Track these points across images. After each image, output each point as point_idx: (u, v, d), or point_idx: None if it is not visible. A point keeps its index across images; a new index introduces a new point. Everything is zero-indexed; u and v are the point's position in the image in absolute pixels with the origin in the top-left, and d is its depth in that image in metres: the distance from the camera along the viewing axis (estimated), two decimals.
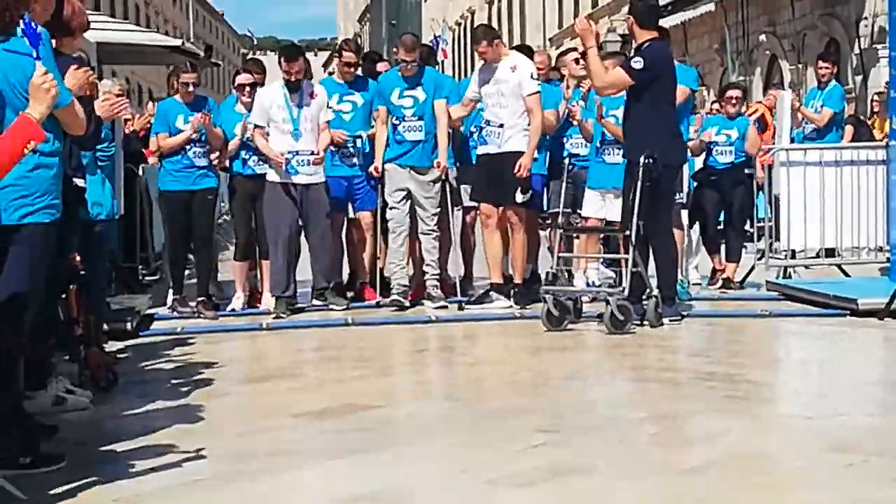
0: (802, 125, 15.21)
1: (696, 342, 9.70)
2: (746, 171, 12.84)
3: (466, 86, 11.58)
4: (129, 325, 9.99)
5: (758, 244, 13.44)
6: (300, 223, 11.07)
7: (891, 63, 11.97)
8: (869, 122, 17.55)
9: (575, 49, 12.55)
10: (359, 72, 11.80)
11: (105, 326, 8.87)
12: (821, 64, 15.74)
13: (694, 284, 12.18)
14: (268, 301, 11.40)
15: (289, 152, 10.92)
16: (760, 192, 13.29)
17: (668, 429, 6.43)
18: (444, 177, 11.34)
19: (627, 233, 9.83)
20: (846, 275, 12.64)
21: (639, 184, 9.75)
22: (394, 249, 11.32)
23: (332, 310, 11.12)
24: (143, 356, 9.13)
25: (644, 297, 9.90)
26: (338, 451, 5.94)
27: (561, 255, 10.76)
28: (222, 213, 17.70)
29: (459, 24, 64.42)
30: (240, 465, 5.67)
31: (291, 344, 9.93)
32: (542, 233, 12.23)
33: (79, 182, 7.46)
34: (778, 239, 12.81)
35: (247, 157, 11.39)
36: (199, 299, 11.17)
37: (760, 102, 18.49)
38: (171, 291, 11.42)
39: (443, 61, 30.03)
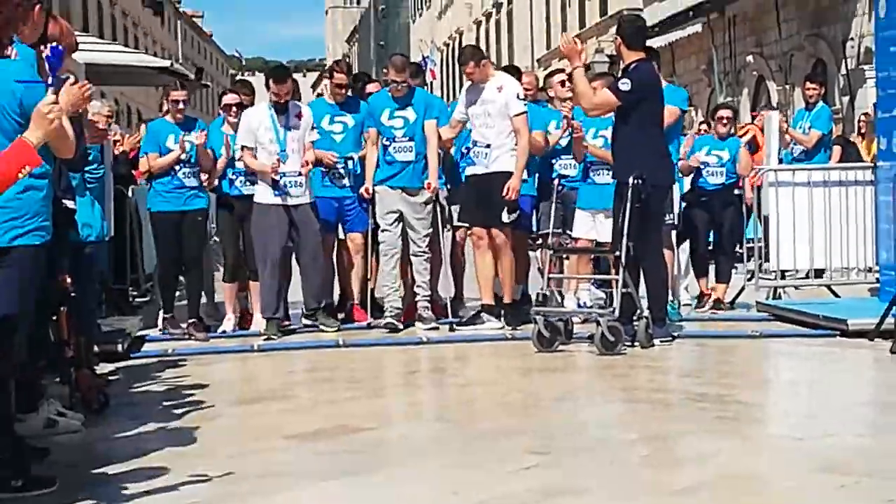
0: (791, 146, 15.26)
1: (686, 363, 9.70)
2: (735, 191, 12.86)
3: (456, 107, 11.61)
4: (119, 347, 9.97)
5: (747, 265, 13.46)
6: (290, 244, 11.06)
7: (878, 84, 12.02)
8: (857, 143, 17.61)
9: (562, 70, 12.59)
10: (349, 93, 11.81)
11: (96, 348, 8.86)
12: (808, 85, 15.79)
13: (684, 305, 12.18)
14: (258, 322, 11.39)
15: (277, 174, 10.92)
16: (751, 213, 13.32)
17: (659, 450, 6.44)
18: (434, 197, 11.35)
19: (617, 253, 9.84)
20: (836, 295, 12.65)
21: (628, 204, 9.77)
22: (386, 272, 11.32)
23: (322, 331, 11.11)
24: (135, 378, 9.12)
25: (634, 317, 9.91)
26: (330, 472, 5.94)
27: (551, 276, 10.77)
28: (212, 235, 17.69)
29: (448, 45, 64.54)
30: (232, 486, 5.67)
31: (283, 365, 9.93)
32: (532, 254, 12.24)
33: (68, 203, 7.45)
34: (767, 259, 12.83)
35: (234, 177, 11.40)
36: (190, 321, 11.16)
37: (752, 124, 18.53)
38: (161, 312, 11.42)
39: (431, 82, 30.10)
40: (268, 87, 11.12)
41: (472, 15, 61.10)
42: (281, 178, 10.92)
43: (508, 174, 10.80)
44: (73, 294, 7.60)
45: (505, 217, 10.83)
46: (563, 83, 12.01)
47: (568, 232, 11.61)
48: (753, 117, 20.33)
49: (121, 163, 12.55)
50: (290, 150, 10.94)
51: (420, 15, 78.38)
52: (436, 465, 6.15)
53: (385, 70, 11.93)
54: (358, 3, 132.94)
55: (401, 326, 11.17)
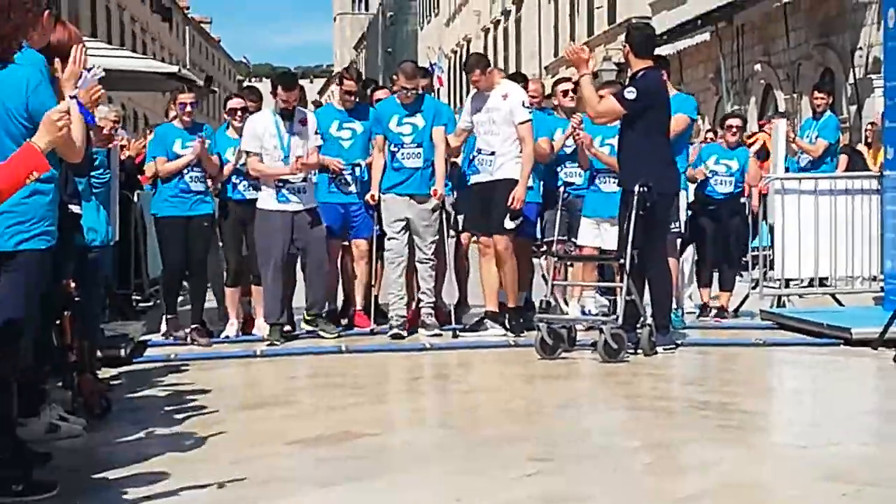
0: (798, 156, 15.25)
1: (689, 371, 9.70)
2: (741, 200, 12.85)
3: None
4: (122, 352, 9.97)
5: (752, 273, 13.44)
6: (294, 251, 11.05)
7: (885, 93, 12.01)
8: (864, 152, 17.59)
9: (569, 79, 12.58)
10: (358, 100, 11.81)
11: (99, 353, 8.86)
12: (816, 94, 15.80)
13: (688, 313, 12.17)
14: (261, 327, 11.40)
15: (279, 180, 10.94)
16: (756, 222, 13.31)
17: (662, 457, 6.44)
18: (441, 204, 11.35)
19: (622, 261, 9.84)
20: (840, 304, 12.65)
21: (633, 212, 9.77)
22: (392, 280, 11.31)
23: (322, 338, 11.09)
24: (137, 383, 9.12)
25: (638, 325, 9.91)
26: (333, 478, 5.94)
27: (555, 283, 10.77)
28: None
29: (455, 52, 64.55)
30: (234, 492, 5.66)
31: (285, 371, 9.92)
32: (535, 261, 12.24)
33: (74, 208, 7.47)
34: (772, 268, 12.81)
35: (237, 181, 11.40)
36: (193, 326, 11.15)
37: (763, 131, 18.52)
38: (164, 316, 11.42)
39: (439, 89, 30.12)
40: (274, 93, 11.12)
41: (481, 22, 61.12)
42: (284, 184, 10.93)
43: (512, 181, 10.79)
44: (77, 298, 7.60)
45: (508, 223, 10.82)
46: (566, 93, 12.03)
47: (573, 240, 11.61)
48: (761, 126, 20.32)
49: (127, 168, 12.55)
50: (293, 156, 10.94)
51: (428, 22, 78.42)
52: (439, 471, 6.14)
53: (395, 76, 11.91)
54: (366, 9, 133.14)
55: (405, 335, 11.16)
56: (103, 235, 8.71)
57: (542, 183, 11.56)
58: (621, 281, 9.91)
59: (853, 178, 13.13)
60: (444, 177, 11.25)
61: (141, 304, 13.97)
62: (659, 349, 9.93)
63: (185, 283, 11.94)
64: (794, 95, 26.08)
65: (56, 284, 6.88)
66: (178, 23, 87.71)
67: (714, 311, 12.36)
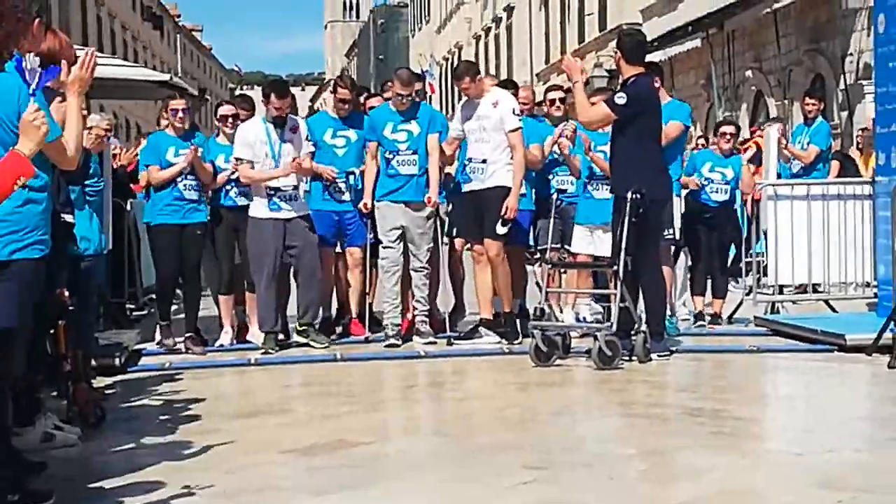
0: (790, 162, 15.28)
1: (683, 378, 9.70)
2: (734, 207, 12.86)
3: None
4: (117, 361, 9.96)
5: (746, 280, 13.46)
6: (287, 259, 11.04)
7: (877, 99, 12.03)
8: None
9: (560, 87, 12.60)
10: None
11: (93, 362, 8.86)
12: (807, 100, 15.84)
13: (682, 320, 12.17)
14: (255, 334, 11.40)
15: (270, 188, 10.94)
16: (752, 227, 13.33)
17: (657, 464, 6.44)
18: (435, 212, 11.35)
19: (615, 268, 9.85)
20: (833, 310, 12.67)
21: (626, 219, 9.78)
22: (387, 289, 11.30)
23: (313, 348, 11.06)
24: (132, 392, 9.11)
25: (632, 332, 9.92)
26: (327, 486, 5.93)
27: (549, 290, 10.77)
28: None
29: (447, 59, 64.59)
30: (229, 501, 5.67)
31: (280, 379, 9.92)
32: (529, 268, 12.24)
33: (67, 217, 7.46)
34: (766, 274, 12.83)
35: (228, 188, 11.40)
36: (188, 335, 11.15)
37: (756, 136, 18.52)
38: (157, 324, 11.40)
39: (430, 96, 30.14)
40: (266, 101, 11.11)
41: (472, 29, 61.15)
42: (275, 192, 10.93)
43: (504, 188, 10.80)
44: (71, 308, 7.60)
45: (499, 229, 10.82)
46: (553, 102, 12.07)
47: (566, 247, 11.62)
48: (752, 132, 20.34)
49: (119, 176, 12.53)
50: (284, 163, 10.94)
51: (419, 29, 78.47)
52: (433, 479, 6.14)
53: (390, 83, 11.90)
54: (357, 17, 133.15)
55: (401, 343, 11.15)
56: (96, 244, 8.72)
57: (534, 191, 11.56)
58: (615, 288, 9.92)
59: (845, 183, 13.15)
60: (437, 184, 11.25)
61: (135, 313, 13.96)
62: (653, 356, 9.94)
63: (178, 292, 11.92)
64: (786, 101, 26.11)
65: (49, 293, 6.87)
66: (169, 31, 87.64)
67: (708, 319, 12.36)
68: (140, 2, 74.78)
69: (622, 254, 9.77)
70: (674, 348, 10.41)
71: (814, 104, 15.64)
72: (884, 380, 9.25)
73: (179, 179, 11.04)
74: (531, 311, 11.02)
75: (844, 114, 23.28)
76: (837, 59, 23.81)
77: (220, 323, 11.60)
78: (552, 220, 11.45)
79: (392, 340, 11.11)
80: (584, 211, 11.46)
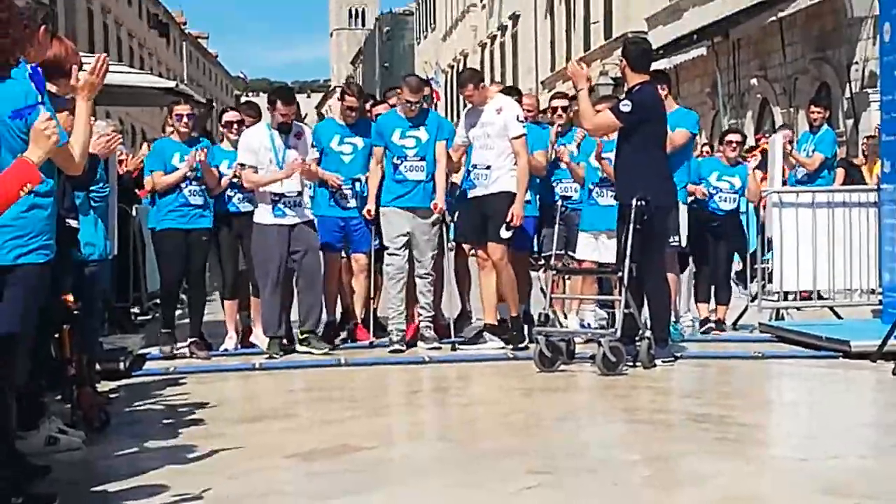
0: (795, 169, 15.28)
1: (688, 384, 9.69)
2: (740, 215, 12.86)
3: None
4: (121, 365, 9.98)
5: (750, 286, 13.45)
6: (290, 264, 11.04)
7: (882, 107, 12.03)
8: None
9: (565, 94, 12.61)
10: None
11: (98, 366, 8.87)
12: (813, 108, 15.82)
13: (686, 326, 12.16)
14: (258, 336, 11.41)
15: (275, 194, 10.95)
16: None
17: (661, 470, 6.44)
18: (441, 218, 11.35)
19: (620, 274, 9.86)
20: (838, 317, 12.66)
21: (631, 226, 9.79)
22: (392, 296, 11.30)
23: (315, 355, 11.04)
24: (136, 396, 9.12)
25: (637, 338, 9.91)
26: (331, 492, 5.93)
27: (554, 296, 10.77)
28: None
29: (452, 67, 64.65)
30: None
31: (284, 384, 9.92)
32: (534, 274, 12.24)
33: (72, 222, 7.47)
34: (771, 281, 12.82)
35: (232, 194, 11.41)
36: (192, 339, 11.15)
37: (764, 145, 18.49)
38: (159, 331, 11.38)
39: (436, 104, 30.15)
40: (272, 108, 11.11)
41: (477, 37, 61.22)
42: (279, 198, 10.94)
43: (508, 194, 10.81)
44: (76, 312, 7.60)
45: (503, 233, 10.82)
46: (554, 110, 12.09)
47: (570, 254, 11.61)
48: (758, 140, 20.34)
49: (124, 182, 12.55)
50: (287, 166, 10.95)
51: (425, 37, 78.56)
52: (438, 484, 6.14)
53: (398, 90, 11.89)
54: (363, 25, 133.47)
55: (405, 349, 11.15)
56: (101, 249, 8.73)
57: (538, 197, 11.57)
58: (620, 294, 9.93)
59: (851, 191, 13.14)
60: (444, 191, 11.25)
61: (139, 318, 13.97)
62: (658, 362, 9.94)
63: (183, 297, 11.93)
64: (791, 110, 26.12)
65: (54, 298, 6.88)
66: (175, 38, 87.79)
67: (712, 325, 12.33)
68: (146, 9, 74.99)
69: (627, 260, 9.77)
70: (678, 354, 10.41)
71: (819, 112, 15.63)
72: (888, 386, 9.24)
73: (184, 185, 11.05)
74: (535, 317, 11.03)
75: (850, 122, 23.29)
76: (843, 68, 23.83)
77: (225, 328, 11.61)
78: (557, 227, 11.46)
79: (396, 346, 11.11)
80: (588, 217, 11.46)
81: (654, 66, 12.74)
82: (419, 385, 9.96)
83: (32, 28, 6.01)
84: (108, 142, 7.92)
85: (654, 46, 16.71)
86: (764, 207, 13.28)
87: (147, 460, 6.69)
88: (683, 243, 11.38)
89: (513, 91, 12.65)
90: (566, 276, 11.73)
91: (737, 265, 14.27)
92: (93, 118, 6.30)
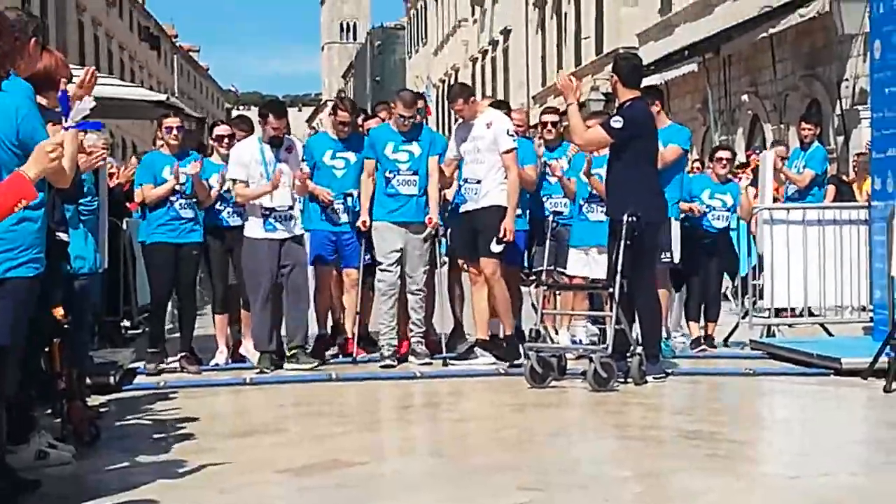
0: (786, 186, 15.29)
1: (679, 400, 9.69)
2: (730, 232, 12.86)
3: None
4: (111, 380, 9.94)
5: (741, 303, 13.44)
6: (280, 279, 11.01)
7: (872, 124, 12.05)
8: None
9: (556, 109, 12.61)
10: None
11: (88, 380, 8.84)
12: (803, 125, 15.85)
13: (678, 343, 12.15)
14: (248, 348, 11.39)
15: (265, 209, 10.93)
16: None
17: (652, 486, 6.43)
18: (434, 233, 11.34)
19: (611, 290, 9.85)
20: (829, 334, 12.66)
21: (622, 242, 9.79)
22: (384, 311, 11.27)
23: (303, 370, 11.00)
24: (126, 410, 9.09)
25: (628, 354, 9.91)
26: None
27: (545, 311, 10.76)
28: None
29: (443, 82, 64.70)
30: None
31: (275, 399, 9.90)
32: (525, 289, 12.23)
33: (62, 236, 7.45)
34: (761, 297, 12.82)
35: (221, 208, 11.40)
36: (182, 354, 11.13)
37: (755, 162, 18.50)
38: (147, 350, 11.29)
39: (427, 118, 30.17)
40: (264, 122, 11.09)
41: (468, 52, 61.30)
42: (270, 213, 10.92)
43: (498, 208, 10.80)
44: (66, 326, 7.58)
45: (494, 247, 10.81)
46: (545, 125, 12.09)
47: (560, 269, 11.59)
48: (748, 156, 20.37)
49: (115, 195, 12.52)
50: (281, 183, 10.93)
51: (416, 51, 78.63)
52: (429, 499, 6.13)
53: (392, 104, 11.88)
54: (354, 39, 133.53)
55: (396, 364, 11.13)
56: (91, 263, 8.71)
57: (528, 212, 11.56)
58: (611, 310, 9.92)
59: (841, 208, 13.16)
60: (437, 205, 11.24)
61: (130, 332, 13.93)
62: (649, 378, 9.93)
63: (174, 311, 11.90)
64: (782, 126, 26.15)
65: (44, 312, 6.86)
66: (166, 51, 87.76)
67: (703, 340, 12.31)
68: (137, 22, 74.95)
69: (618, 276, 9.77)
70: (669, 371, 10.40)
71: (810, 129, 15.65)
72: (879, 404, 9.24)
73: (175, 198, 11.03)
74: (526, 333, 11.01)
75: (840, 139, 23.32)
76: (833, 85, 23.86)
77: (216, 342, 11.58)
78: (547, 242, 11.45)
79: (388, 361, 11.09)
80: (578, 233, 11.46)
81: (646, 81, 12.78)
82: (411, 400, 9.95)
83: (23, 40, 6.01)
84: (91, 157, 7.93)
85: (645, 62, 16.72)
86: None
87: (137, 475, 6.67)
88: (676, 259, 11.37)
89: (502, 105, 12.65)
90: (557, 292, 11.72)
91: (727, 283, 14.25)
92: (82, 134, 6.30)
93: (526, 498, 6.02)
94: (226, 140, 11.59)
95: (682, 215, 11.79)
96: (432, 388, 10.38)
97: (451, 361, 11.13)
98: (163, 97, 18.26)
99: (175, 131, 11.20)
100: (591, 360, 9.65)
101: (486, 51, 58.11)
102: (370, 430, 8.50)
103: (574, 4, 42.45)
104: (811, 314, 12.93)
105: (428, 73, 66.71)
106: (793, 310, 13.04)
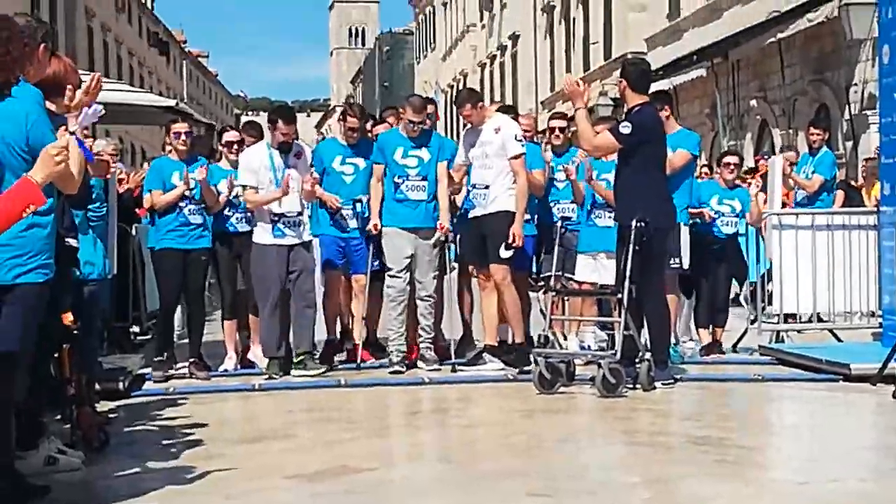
0: (795, 191, 15.27)
1: (687, 406, 9.68)
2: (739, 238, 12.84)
3: None
4: (120, 385, 9.96)
5: (750, 308, 13.42)
6: (288, 285, 11.00)
7: (881, 129, 12.04)
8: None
9: (564, 115, 12.60)
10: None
11: (97, 386, 8.85)
12: (812, 130, 15.84)
13: (687, 348, 12.13)
14: (256, 354, 11.40)
15: (275, 214, 10.94)
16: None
17: (661, 493, 6.42)
18: (444, 238, 11.33)
19: (619, 296, 9.85)
20: (838, 339, 12.64)
21: (630, 247, 9.78)
22: (393, 318, 11.26)
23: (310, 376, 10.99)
24: (135, 416, 9.10)
25: (636, 360, 9.90)
26: None
27: (554, 317, 10.75)
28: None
29: (452, 87, 64.72)
30: None
31: (284, 405, 9.89)
32: (533, 295, 12.22)
33: (71, 242, 7.46)
34: (770, 303, 12.80)
35: (230, 213, 11.41)
36: (191, 359, 11.13)
37: (763, 168, 18.47)
38: (154, 359, 11.25)
39: (436, 123, 30.17)
40: (273, 127, 11.10)
41: (477, 57, 61.31)
42: (279, 218, 10.93)
43: (506, 213, 10.80)
44: (75, 332, 7.59)
45: (503, 253, 10.81)
46: (553, 130, 12.08)
47: (567, 275, 11.58)
48: (756, 161, 20.35)
49: (125, 200, 12.53)
50: (291, 189, 10.94)
51: (425, 56, 78.67)
52: None
53: (401, 109, 11.86)
54: (363, 44, 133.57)
55: (404, 370, 11.13)
56: (100, 269, 8.73)
57: (536, 217, 11.54)
58: (619, 316, 9.91)
59: (850, 213, 13.15)
60: (447, 210, 11.23)
61: (139, 338, 13.95)
62: (657, 384, 9.91)
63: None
64: (790, 131, 26.13)
65: (53, 317, 6.87)
66: (175, 56, 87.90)
67: (714, 347, 12.28)
68: (146, 27, 75.09)
69: (626, 282, 9.77)
70: (678, 376, 10.39)
71: (818, 134, 15.64)
72: (888, 410, 9.23)
73: (184, 204, 11.04)
74: (535, 339, 11.01)
75: (849, 144, 23.31)
76: (842, 90, 23.85)
77: (224, 347, 11.59)
78: (556, 247, 11.45)
79: (396, 367, 11.09)
80: (586, 238, 11.46)
81: (654, 86, 12.76)
82: (419, 406, 9.95)
83: (32, 46, 6.03)
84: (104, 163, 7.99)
85: (653, 67, 16.72)
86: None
87: (147, 481, 6.68)
88: (686, 265, 11.34)
89: (509, 110, 12.65)
90: (565, 298, 11.71)
91: (735, 289, 14.22)
92: (91, 138, 6.32)
93: None
94: (235, 146, 11.60)
95: (691, 221, 11.77)
96: (441, 393, 10.38)
97: (460, 367, 11.13)
98: (172, 103, 18.34)
99: (183, 136, 11.20)
100: (599, 365, 9.65)
101: (495, 56, 58.13)
102: (379, 435, 8.50)
103: (582, 9, 42.49)
104: (820, 320, 12.92)
105: (436, 79, 66.73)
106: (801, 315, 13.02)
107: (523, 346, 10.99)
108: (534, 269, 11.91)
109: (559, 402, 9.48)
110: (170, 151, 11.47)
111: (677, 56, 30.78)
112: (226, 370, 11.42)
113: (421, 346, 11.33)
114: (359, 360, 11.42)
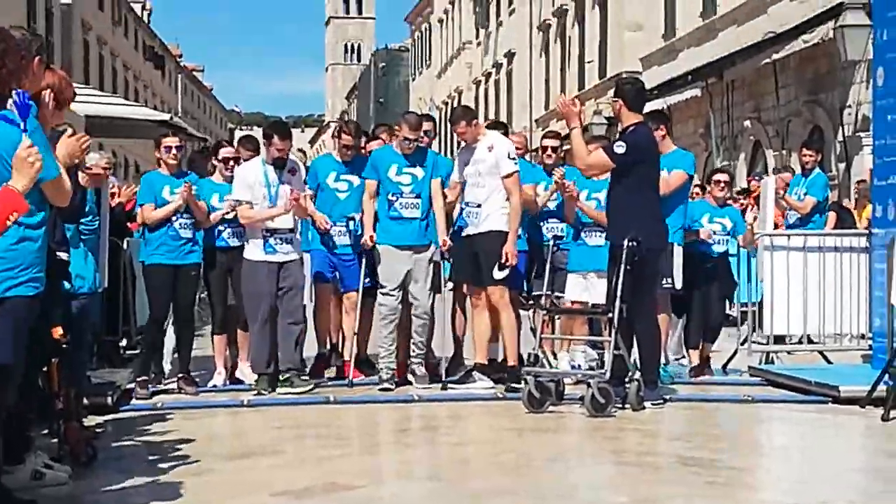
0: (786, 212, 15.29)
1: (677, 426, 9.68)
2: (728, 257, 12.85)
3: None
4: (109, 400, 9.92)
5: (740, 329, 13.42)
6: (278, 302, 10.97)
7: (874, 151, 12.05)
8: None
9: (557, 134, 12.60)
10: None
11: (85, 400, 8.82)
12: (805, 152, 15.87)
13: (677, 366, 12.12)
14: (244, 371, 11.38)
15: (266, 230, 10.92)
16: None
17: None
18: (442, 255, 11.30)
19: (610, 315, 9.84)
20: (828, 361, 12.65)
21: (622, 267, 9.78)
22: (384, 336, 11.24)
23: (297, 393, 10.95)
24: (123, 431, 9.08)
25: (626, 380, 9.89)
26: None
27: (544, 336, 10.74)
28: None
29: (447, 104, 64.80)
30: None
31: (272, 421, 9.87)
32: (524, 313, 12.20)
33: (62, 255, 7.46)
34: (760, 324, 12.80)
35: (221, 228, 11.40)
36: (180, 375, 11.11)
37: (756, 189, 18.49)
38: (135, 378, 11.12)
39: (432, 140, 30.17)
40: (268, 143, 11.07)
41: (472, 74, 61.40)
42: (270, 235, 10.92)
43: (499, 233, 10.79)
44: (64, 345, 7.57)
45: (497, 274, 10.80)
46: (545, 149, 12.06)
47: (557, 294, 11.56)
48: (749, 182, 20.38)
49: (116, 214, 12.52)
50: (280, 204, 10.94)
51: (420, 73, 78.79)
52: None
53: (396, 126, 11.85)
54: (358, 60, 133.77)
55: (394, 387, 11.10)
56: (91, 282, 8.71)
57: (526, 234, 11.52)
58: (610, 335, 9.91)
59: (842, 235, 13.17)
60: (444, 227, 11.21)
61: (128, 352, 13.90)
62: (647, 404, 9.91)
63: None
64: (784, 152, 26.17)
65: (43, 331, 6.86)
66: (170, 71, 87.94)
67: (704, 367, 12.27)
68: (142, 41, 75.14)
69: (617, 301, 9.76)
70: (667, 397, 10.38)
71: (811, 155, 15.67)
72: (877, 432, 9.23)
73: (175, 218, 11.02)
74: (525, 357, 10.99)
75: (842, 165, 23.34)
76: (836, 111, 23.90)
77: (213, 363, 11.57)
78: (547, 265, 11.43)
79: (386, 384, 11.07)
80: (576, 258, 11.44)
81: (649, 106, 12.77)
82: (409, 423, 9.93)
83: (27, 59, 6.02)
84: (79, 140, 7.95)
85: (648, 87, 16.75)
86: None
87: (134, 496, 6.67)
88: (678, 286, 11.32)
89: (499, 125, 12.65)
90: (556, 316, 11.70)
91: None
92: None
93: None
94: (231, 162, 11.59)
95: (689, 240, 11.76)
96: (431, 411, 10.36)
97: (450, 385, 11.11)
98: (166, 117, 18.35)
99: (174, 150, 11.19)
100: (589, 385, 9.64)
101: (490, 73, 58.23)
102: (368, 452, 8.50)
103: (578, 28, 42.56)
104: (810, 341, 12.93)
105: (431, 95, 66.82)
106: (791, 336, 13.02)
107: (515, 368, 10.95)
108: (524, 288, 11.89)
109: (548, 421, 9.47)
110: (161, 166, 11.45)
111: (672, 76, 30.86)
112: (215, 386, 11.39)
113: (413, 361, 11.30)
114: (350, 379, 11.38)
